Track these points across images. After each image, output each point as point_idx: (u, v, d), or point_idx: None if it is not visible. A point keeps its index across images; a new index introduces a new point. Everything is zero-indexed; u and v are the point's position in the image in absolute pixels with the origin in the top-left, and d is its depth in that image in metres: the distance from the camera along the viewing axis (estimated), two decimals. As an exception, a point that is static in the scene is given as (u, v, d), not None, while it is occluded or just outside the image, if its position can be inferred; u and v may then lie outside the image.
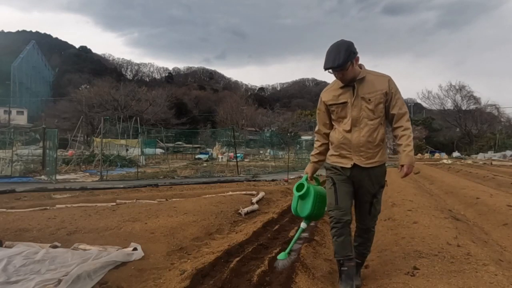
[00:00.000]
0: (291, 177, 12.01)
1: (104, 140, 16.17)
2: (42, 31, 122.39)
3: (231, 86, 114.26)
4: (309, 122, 51.99)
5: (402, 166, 2.40)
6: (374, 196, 2.50)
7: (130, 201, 6.01)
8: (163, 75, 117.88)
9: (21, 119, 51.75)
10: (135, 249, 3.04)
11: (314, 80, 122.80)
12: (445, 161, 28.90)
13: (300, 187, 2.54)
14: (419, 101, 61.81)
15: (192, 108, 69.74)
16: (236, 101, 60.04)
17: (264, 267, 2.65)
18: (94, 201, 5.94)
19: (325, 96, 2.56)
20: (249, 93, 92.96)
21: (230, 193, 6.84)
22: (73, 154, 18.26)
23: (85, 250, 3.01)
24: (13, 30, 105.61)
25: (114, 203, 5.72)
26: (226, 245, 3.40)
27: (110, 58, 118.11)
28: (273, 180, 11.20)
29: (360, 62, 2.43)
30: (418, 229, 3.93)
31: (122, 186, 8.88)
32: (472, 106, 52.23)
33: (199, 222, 4.17)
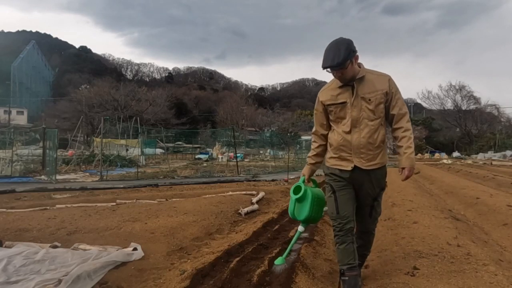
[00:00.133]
0: (291, 177, 12.01)
1: (104, 140, 16.17)
2: (42, 31, 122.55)
3: (231, 86, 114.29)
4: (309, 122, 51.97)
5: (403, 168, 2.33)
6: (374, 199, 2.45)
7: (130, 201, 6.01)
8: (163, 75, 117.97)
9: (21, 119, 51.76)
10: (135, 249, 3.04)
11: (314, 80, 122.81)
12: (445, 161, 28.90)
13: (297, 190, 2.47)
14: (419, 101, 61.87)
15: (192, 108, 69.76)
16: (236, 101, 60.05)
17: (264, 267, 2.65)
18: (94, 201, 5.94)
19: (323, 96, 2.47)
20: (249, 93, 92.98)
21: (230, 193, 6.84)
22: (73, 154, 18.26)
23: (85, 250, 3.01)
24: (13, 30, 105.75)
25: (114, 203, 5.72)
26: (226, 245, 3.40)
27: (110, 58, 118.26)
28: (273, 180, 11.20)
29: (359, 61, 2.36)
30: (418, 229, 3.93)
31: (122, 186, 8.88)
32: (472, 106, 52.26)
33: (199, 222, 4.17)
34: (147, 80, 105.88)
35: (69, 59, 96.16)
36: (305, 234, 3.66)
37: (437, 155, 42.17)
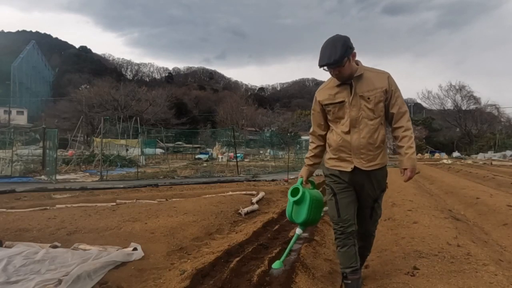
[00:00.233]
0: (291, 177, 12.00)
1: (104, 140, 16.17)
2: (42, 31, 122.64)
3: (231, 86, 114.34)
4: (309, 122, 50.92)
5: (405, 169, 2.28)
6: (375, 200, 2.39)
7: (130, 201, 6.01)
8: (163, 75, 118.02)
9: (21, 119, 51.75)
10: (135, 249, 3.04)
11: (314, 80, 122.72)
12: (445, 161, 28.90)
13: (295, 192, 2.41)
14: (419, 101, 61.85)
15: (192, 108, 69.77)
16: (236, 101, 60.03)
17: (264, 267, 2.65)
18: (94, 201, 5.94)
19: (321, 95, 2.39)
20: (249, 93, 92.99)
21: (230, 193, 6.84)
22: (73, 154, 18.26)
23: (85, 250, 3.01)
24: (13, 30, 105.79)
25: (114, 203, 5.72)
26: (226, 245, 3.40)
27: (110, 58, 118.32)
28: (273, 180, 11.19)
29: (358, 59, 2.29)
30: (418, 229, 3.93)
31: (122, 186, 8.88)
32: (472, 106, 52.27)
33: (199, 222, 4.17)
34: (147, 80, 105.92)
35: (69, 59, 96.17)
36: (305, 234, 3.66)
37: (437, 155, 42.17)
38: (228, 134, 29.09)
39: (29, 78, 73.69)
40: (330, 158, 2.40)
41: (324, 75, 2.34)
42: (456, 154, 42.14)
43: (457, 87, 51.95)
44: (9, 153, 13.91)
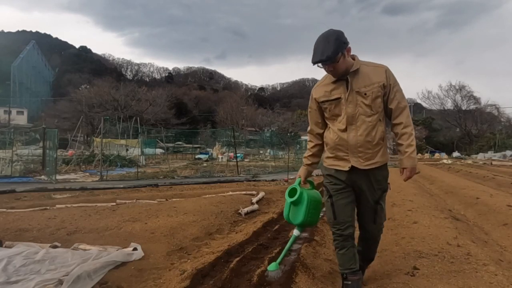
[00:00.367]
0: (291, 177, 12.00)
1: (104, 140, 16.16)
2: (42, 31, 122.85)
3: (231, 86, 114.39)
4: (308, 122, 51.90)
5: (404, 169, 2.19)
6: (377, 202, 2.26)
7: (130, 201, 6.01)
8: (163, 75, 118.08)
9: (21, 119, 51.77)
10: (135, 249, 3.04)
11: (314, 80, 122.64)
12: (445, 161, 28.89)
13: (292, 193, 2.33)
14: (419, 101, 61.74)
15: (192, 108, 69.77)
16: (236, 101, 60.01)
17: (264, 267, 2.64)
18: (94, 201, 5.94)
19: (316, 93, 2.31)
20: (249, 93, 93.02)
21: (230, 193, 6.84)
22: (73, 154, 18.25)
23: (85, 250, 3.01)
24: (13, 30, 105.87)
25: (114, 203, 5.72)
26: (226, 245, 3.40)
27: (110, 58, 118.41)
28: (273, 180, 11.19)
29: (354, 55, 2.22)
30: (418, 229, 3.93)
31: (122, 186, 8.88)
32: (472, 106, 52.26)
33: (199, 222, 4.17)
34: (147, 80, 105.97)
35: (69, 59, 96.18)
36: (305, 234, 3.66)
37: (437, 155, 42.17)
38: (228, 134, 29.11)
39: (29, 78, 73.71)
40: (327, 157, 2.34)
41: (323, 73, 2.32)
42: (456, 154, 42.12)
43: (457, 87, 51.98)
44: (9, 153, 13.91)
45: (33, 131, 23.09)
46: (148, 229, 3.72)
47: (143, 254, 2.99)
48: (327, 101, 2.25)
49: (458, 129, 53.51)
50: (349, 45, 2.13)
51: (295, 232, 2.40)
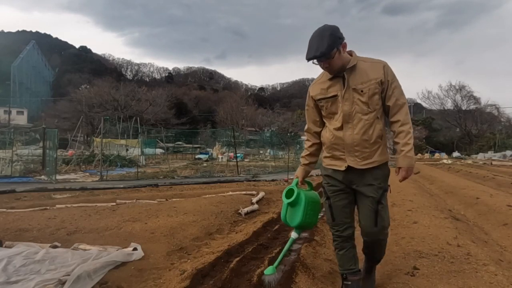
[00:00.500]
0: (291, 177, 12.00)
1: (104, 140, 16.16)
2: (42, 31, 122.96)
3: (231, 86, 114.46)
4: (308, 122, 51.82)
5: (400, 168, 2.09)
6: (378, 202, 2.13)
7: (130, 201, 6.01)
8: (163, 75, 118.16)
9: (21, 119, 51.79)
10: (135, 249, 3.03)
11: (314, 80, 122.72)
12: (445, 161, 28.89)
13: (289, 193, 2.26)
14: (419, 101, 61.76)
15: (192, 108, 69.82)
16: (236, 101, 60.02)
17: (264, 267, 2.64)
18: (94, 201, 5.94)
19: (313, 90, 2.26)
20: (249, 93, 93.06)
21: (230, 193, 6.84)
22: (73, 154, 18.26)
23: (85, 250, 3.01)
24: (13, 30, 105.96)
25: (114, 203, 5.72)
26: (226, 245, 3.40)
27: (110, 58, 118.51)
28: (273, 180, 11.20)
29: (352, 50, 2.17)
30: (418, 229, 3.93)
31: (122, 186, 8.88)
32: (472, 106, 52.28)
33: (199, 222, 4.17)
34: (147, 80, 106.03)
35: (69, 59, 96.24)
36: (305, 234, 3.66)
37: (437, 155, 42.18)
38: (228, 134, 29.10)
39: (29, 78, 73.77)
40: (325, 157, 2.29)
41: (321, 72, 2.29)
42: (456, 154, 42.14)
43: (457, 87, 52.00)
44: (9, 153, 13.92)
45: (33, 131, 23.09)
46: (148, 229, 3.72)
47: (143, 254, 2.99)
48: (323, 98, 2.19)
49: (458, 129, 53.53)
50: (345, 41, 2.06)
51: (293, 234, 2.32)
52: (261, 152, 36.42)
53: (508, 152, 35.34)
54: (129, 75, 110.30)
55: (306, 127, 2.40)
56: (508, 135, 45.89)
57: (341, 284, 2.35)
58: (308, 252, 3.13)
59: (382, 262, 3.02)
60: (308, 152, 2.38)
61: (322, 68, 2.13)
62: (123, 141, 21.19)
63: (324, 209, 2.41)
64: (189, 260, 3.07)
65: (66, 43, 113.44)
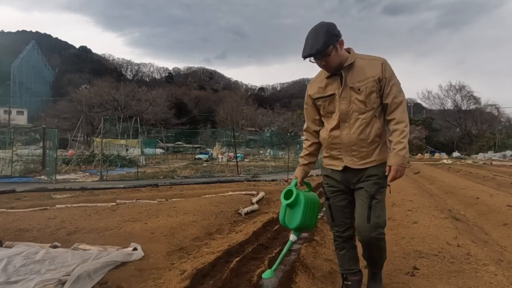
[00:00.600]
0: (291, 177, 11.99)
1: (104, 140, 16.17)
2: (42, 31, 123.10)
3: (231, 86, 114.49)
4: (309, 122, 51.82)
5: (390, 167, 1.99)
6: (372, 197, 2.04)
7: (130, 201, 6.01)
8: (163, 75, 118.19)
9: (21, 119, 51.80)
10: (135, 249, 3.03)
11: (313, 78, 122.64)
12: (445, 161, 28.89)
13: (288, 195, 2.20)
14: (419, 101, 61.89)
15: (192, 108, 69.84)
16: (236, 101, 60.04)
17: (264, 267, 2.64)
18: (94, 201, 5.94)
19: (311, 89, 2.22)
20: (249, 93, 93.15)
21: (230, 193, 6.84)
22: (73, 154, 18.26)
23: (85, 250, 3.01)
24: (13, 30, 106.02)
25: (114, 203, 5.72)
26: (226, 245, 3.40)
27: (110, 58, 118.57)
28: (273, 180, 11.19)
29: (350, 48, 2.13)
30: (418, 229, 3.93)
31: (122, 186, 8.87)
32: (472, 106, 52.33)
33: (199, 222, 4.17)
34: (147, 80, 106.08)
35: (69, 59, 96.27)
36: (305, 234, 3.66)
37: (437, 155, 42.19)
38: (228, 134, 29.11)
39: (29, 78, 73.80)
40: (324, 157, 2.25)
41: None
42: (456, 154, 42.16)
43: (457, 87, 52.06)
44: (9, 153, 13.92)
45: (33, 131, 23.09)
46: (148, 229, 3.71)
47: (143, 254, 2.98)
48: (321, 97, 2.16)
49: (458, 129, 53.58)
50: (342, 38, 2.02)
51: (292, 237, 2.26)
52: (261, 152, 36.42)
53: (508, 152, 35.36)
54: (129, 75, 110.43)
55: (305, 126, 2.35)
56: (508, 135, 45.90)
57: (341, 284, 2.35)
58: (308, 252, 3.13)
59: (382, 262, 3.03)
60: (307, 152, 2.33)
61: (319, 66, 2.09)
62: (123, 141, 21.20)
63: (324, 209, 2.40)
64: (189, 260, 3.07)
65: (66, 43, 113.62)
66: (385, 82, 2.03)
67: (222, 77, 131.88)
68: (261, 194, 6.57)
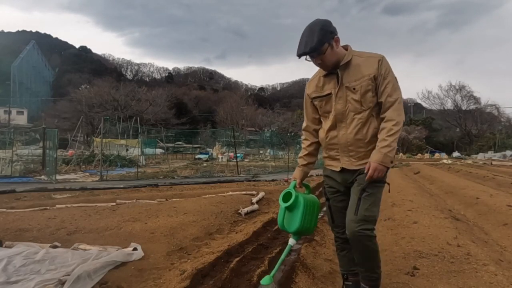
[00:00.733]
0: (291, 177, 12.00)
1: (104, 140, 16.17)
2: (42, 31, 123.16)
3: (231, 86, 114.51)
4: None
5: (370, 164, 1.91)
6: (363, 190, 1.95)
7: (130, 201, 6.01)
8: (163, 75, 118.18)
9: (21, 119, 51.80)
10: (135, 249, 3.03)
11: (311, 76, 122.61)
12: (445, 161, 28.90)
13: (287, 197, 2.12)
14: (419, 101, 62.01)
15: (192, 108, 69.86)
16: (236, 101, 60.08)
17: (264, 267, 2.65)
18: (94, 201, 5.94)
19: (309, 88, 2.18)
20: (249, 93, 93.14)
21: (230, 193, 6.84)
22: (73, 154, 18.26)
23: (85, 250, 3.01)
24: (13, 30, 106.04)
25: (114, 203, 5.72)
26: (226, 245, 3.40)
27: (110, 58, 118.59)
28: (273, 180, 11.19)
29: (347, 45, 2.07)
30: (418, 229, 3.93)
31: (122, 186, 8.87)
32: (472, 106, 52.42)
33: (199, 222, 4.17)
34: (147, 80, 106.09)
35: (69, 59, 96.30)
36: (305, 234, 3.66)
37: (437, 155, 42.22)
38: (228, 134, 29.12)
39: (29, 78, 73.80)
40: (324, 157, 2.21)
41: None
42: (456, 154, 42.19)
43: (457, 87, 52.15)
44: (9, 153, 13.91)
45: (33, 131, 23.10)
46: (148, 229, 3.71)
47: (143, 254, 2.98)
48: (318, 97, 2.11)
49: (458, 129, 53.64)
50: (337, 35, 1.96)
51: (291, 241, 2.16)
52: (261, 152, 36.43)
53: (508, 152, 35.39)
54: (129, 75, 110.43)
55: (304, 125, 2.28)
56: (508, 135, 45.94)
57: (341, 284, 2.35)
58: (308, 252, 3.13)
59: (382, 262, 3.02)
60: (306, 152, 2.26)
61: (315, 64, 2.03)
62: (123, 141, 21.20)
63: (324, 209, 2.39)
64: (189, 260, 3.07)
65: (66, 43, 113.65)
66: (380, 80, 1.96)
67: (222, 77, 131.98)
68: (261, 194, 6.57)
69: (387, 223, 4.51)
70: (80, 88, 50.16)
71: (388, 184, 2.10)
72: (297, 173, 2.26)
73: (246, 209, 5.15)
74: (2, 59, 66.21)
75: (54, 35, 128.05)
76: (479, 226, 4.72)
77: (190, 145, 37.14)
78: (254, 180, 11.44)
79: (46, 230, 3.58)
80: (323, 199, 2.38)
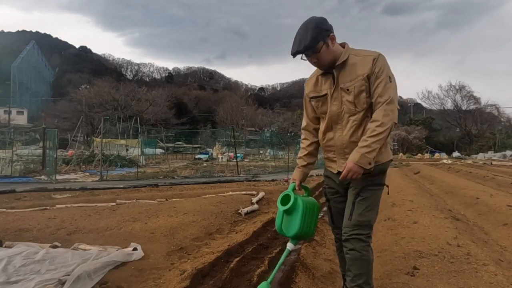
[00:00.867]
0: (291, 178, 11.99)
1: (104, 140, 16.17)
2: (42, 31, 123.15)
3: (231, 86, 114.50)
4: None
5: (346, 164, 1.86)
6: (357, 194, 1.93)
7: (130, 201, 6.01)
8: (163, 75, 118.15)
9: (21, 119, 51.81)
10: (135, 249, 3.03)
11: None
12: (445, 161, 28.90)
13: (285, 200, 2.03)
14: (419, 101, 62.04)
15: (192, 108, 69.87)
16: (236, 101, 60.09)
17: (264, 267, 2.65)
18: (94, 201, 5.93)
19: (307, 87, 2.11)
20: (249, 93, 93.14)
21: (230, 193, 6.83)
22: (73, 154, 18.26)
23: (85, 250, 3.01)
24: (13, 30, 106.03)
25: (114, 203, 5.72)
26: (226, 245, 3.40)
27: (110, 58, 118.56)
28: (273, 180, 11.19)
29: (345, 43, 2.01)
30: (418, 229, 3.93)
31: (122, 186, 8.87)
32: (472, 106, 52.43)
33: (199, 222, 4.17)
34: (147, 80, 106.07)
35: (69, 59, 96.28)
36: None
37: (437, 155, 42.21)
38: (228, 134, 29.12)
39: (29, 78, 73.79)
40: (324, 158, 2.17)
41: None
42: (456, 154, 42.19)
43: (457, 87, 52.16)
44: (9, 153, 13.92)
45: (33, 131, 23.10)
46: (148, 229, 3.71)
47: (143, 254, 2.98)
48: (315, 97, 2.06)
49: (458, 129, 53.66)
50: (333, 33, 1.89)
51: (289, 245, 2.08)
52: (261, 152, 36.43)
53: (508, 152, 35.40)
54: (129, 75, 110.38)
55: (304, 124, 2.21)
56: (508, 135, 45.94)
57: (341, 284, 2.35)
58: (308, 252, 3.13)
59: (382, 262, 3.03)
60: (306, 152, 2.18)
61: (311, 63, 1.96)
62: (123, 141, 21.20)
63: (324, 209, 2.39)
64: (189, 260, 3.07)
65: (66, 43, 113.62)
66: (373, 79, 1.87)
67: (222, 77, 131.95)
68: (261, 194, 6.57)
69: (387, 223, 4.51)
70: (80, 88, 50.17)
71: (387, 186, 2.06)
72: (296, 174, 2.19)
73: (246, 209, 5.15)
74: (2, 59, 66.21)
75: (54, 35, 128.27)
76: (479, 226, 4.72)
77: (190, 145, 37.14)
78: (254, 180, 11.44)
79: (46, 230, 3.58)
80: (323, 199, 2.38)
